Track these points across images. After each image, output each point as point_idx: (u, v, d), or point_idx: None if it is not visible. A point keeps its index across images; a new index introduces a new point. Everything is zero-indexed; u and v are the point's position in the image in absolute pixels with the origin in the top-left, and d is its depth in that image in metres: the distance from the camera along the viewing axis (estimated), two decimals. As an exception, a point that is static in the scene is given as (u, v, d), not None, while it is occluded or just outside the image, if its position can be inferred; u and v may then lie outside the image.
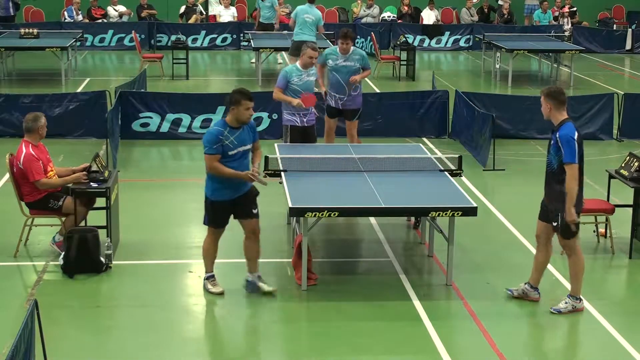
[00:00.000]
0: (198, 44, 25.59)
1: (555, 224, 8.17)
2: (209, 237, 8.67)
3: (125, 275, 9.12)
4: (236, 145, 8.29)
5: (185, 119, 15.08)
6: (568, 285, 8.94)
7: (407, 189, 9.25)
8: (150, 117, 15.00)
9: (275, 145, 11.01)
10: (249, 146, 8.44)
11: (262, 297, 8.59)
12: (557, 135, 8.04)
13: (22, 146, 9.34)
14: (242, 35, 24.95)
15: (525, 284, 8.60)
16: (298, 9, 19.00)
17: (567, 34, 26.55)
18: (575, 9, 28.26)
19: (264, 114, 15.16)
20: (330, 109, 12.33)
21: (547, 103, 8.15)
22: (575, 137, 8.00)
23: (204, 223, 8.59)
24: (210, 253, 8.70)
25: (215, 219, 8.55)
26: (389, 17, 27.56)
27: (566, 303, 8.36)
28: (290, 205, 8.47)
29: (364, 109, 12.86)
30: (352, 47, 12.15)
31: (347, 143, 11.84)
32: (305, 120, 11.22)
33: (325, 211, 8.32)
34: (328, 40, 21.57)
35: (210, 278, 8.70)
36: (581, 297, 8.38)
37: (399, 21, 27.54)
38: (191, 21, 26.47)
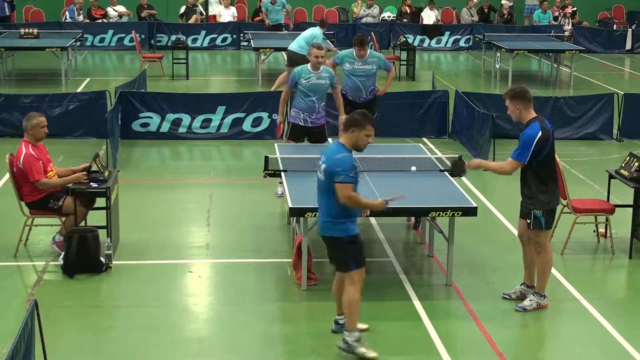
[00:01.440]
0: (198, 44, 25.59)
1: (528, 221, 8.21)
2: (358, 284, 7.23)
3: (125, 275, 9.12)
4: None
5: (185, 119, 15.08)
6: (569, 285, 8.96)
7: (407, 189, 9.24)
8: (150, 117, 15.01)
9: (275, 145, 11.01)
10: None
11: (261, 298, 8.60)
12: (522, 134, 8.10)
13: (22, 146, 9.34)
14: (242, 35, 24.95)
15: (521, 284, 8.62)
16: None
17: (567, 34, 26.55)
18: (575, 9, 28.26)
19: (264, 114, 15.17)
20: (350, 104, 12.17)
21: (515, 105, 8.11)
22: (538, 137, 7.96)
23: (352, 269, 7.22)
24: (359, 305, 7.32)
25: (362, 256, 7.31)
26: (389, 17, 27.56)
27: (531, 301, 8.39)
28: (290, 205, 8.47)
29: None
30: (368, 51, 12.12)
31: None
32: (310, 120, 11.20)
33: (325, 211, 8.30)
34: (328, 40, 21.58)
35: (361, 340, 7.30)
36: (545, 294, 8.41)
37: (404, 20, 27.53)
38: (191, 21, 26.46)
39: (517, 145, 8.14)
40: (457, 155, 8.39)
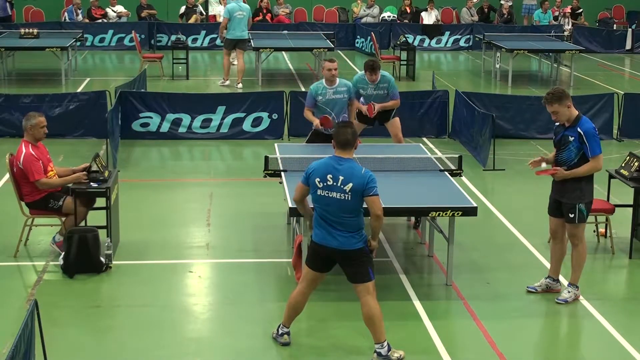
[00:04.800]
0: (198, 44, 25.59)
1: (572, 215, 8.33)
2: (374, 293, 7.25)
3: (125, 275, 9.12)
4: None
5: (185, 119, 15.08)
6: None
7: (407, 189, 9.25)
8: (150, 117, 15.01)
9: (275, 145, 11.02)
10: None
11: (261, 298, 8.60)
12: (580, 130, 8.17)
13: (21, 146, 9.34)
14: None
15: (547, 278, 8.77)
16: (229, 7, 19.51)
17: (567, 33, 26.56)
18: (581, 10, 28.28)
19: (264, 114, 15.17)
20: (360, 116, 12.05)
21: (566, 104, 8.22)
22: (595, 128, 8.32)
23: (372, 277, 7.20)
24: (381, 315, 7.29)
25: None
26: (389, 17, 27.57)
27: (569, 292, 8.54)
28: (290, 206, 8.46)
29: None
30: (379, 75, 11.76)
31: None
32: (331, 130, 10.96)
33: (325, 211, 8.28)
34: (328, 41, 21.61)
35: (390, 346, 7.29)
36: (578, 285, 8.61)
37: (405, 21, 27.54)
38: (191, 21, 26.47)
39: (572, 144, 8.21)
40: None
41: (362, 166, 7.21)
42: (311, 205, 7.46)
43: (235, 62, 22.91)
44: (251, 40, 21.42)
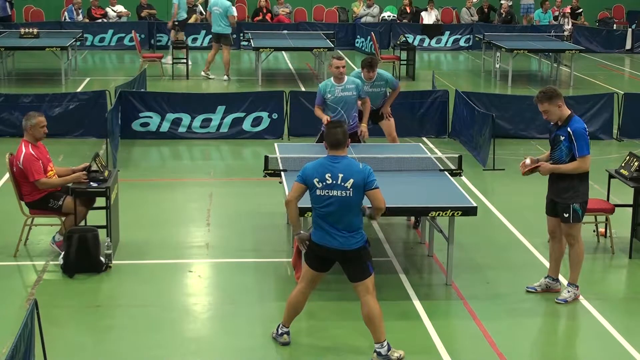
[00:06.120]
0: (198, 43, 25.59)
1: (566, 215, 8.32)
2: (374, 291, 7.25)
3: (125, 275, 9.12)
4: None
5: (185, 118, 15.08)
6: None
7: (407, 189, 9.25)
8: (150, 117, 15.01)
9: (275, 144, 11.02)
10: None
11: (261, 298, 8.60)
12: (569, 130, 8.19)
13: (21, 146, 9.34)
14: (242, 35, 24.95)
15: (546, 278, 8.77)
16: (210, 3, 20.66)
17: (566, 33, 26.56)
18: (581, 10, 28.28)
19: (264, 114, 15.17)
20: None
21: (557, 103, 8.23)
22: (586, 128, 8.33)
23: (371, 271, 7.20)
24: (381, 314, 7.28)
25: None
26: (389, 16, 27.57)
27: (569, 292, 8.54)
28: (290, 205, 8.45)
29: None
30: (376, 73, 11.76)
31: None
32: None
33: (325, 211, 8.28)
34: (328, 40, 21.61)
35: (390, 346, 7.27)
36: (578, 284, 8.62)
37: (405, 21, 27.54)
38: (191, 21, 26.43)
39: (563, 143, 8.24)
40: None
41: (358, 161, 7.22)
42: (308, 205, 7.43)
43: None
44: (250, 40, 21.51)
